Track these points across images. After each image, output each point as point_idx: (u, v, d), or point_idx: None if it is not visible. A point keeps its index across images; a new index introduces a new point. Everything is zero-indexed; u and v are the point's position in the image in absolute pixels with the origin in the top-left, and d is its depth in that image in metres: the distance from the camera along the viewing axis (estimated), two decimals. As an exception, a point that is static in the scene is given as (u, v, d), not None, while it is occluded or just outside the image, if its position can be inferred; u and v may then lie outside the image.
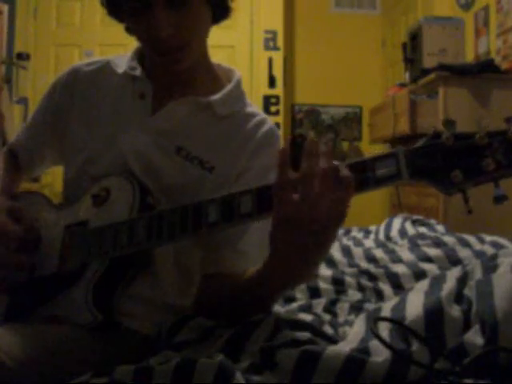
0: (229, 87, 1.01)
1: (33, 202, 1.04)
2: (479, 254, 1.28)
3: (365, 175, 0.69)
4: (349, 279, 1.22)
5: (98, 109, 1.01)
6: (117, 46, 3.70)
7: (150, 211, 0.86)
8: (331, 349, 0.72)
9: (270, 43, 4.48)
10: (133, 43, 1.00)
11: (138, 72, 1.00)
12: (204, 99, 0.98)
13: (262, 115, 1.02)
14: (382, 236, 1.73)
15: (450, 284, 0.87)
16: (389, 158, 0.69)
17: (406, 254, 1.35)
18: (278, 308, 1.07)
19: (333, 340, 0.83)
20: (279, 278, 0.78)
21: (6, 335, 0.80)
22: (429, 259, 1.31)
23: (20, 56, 3.93)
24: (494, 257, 0.97)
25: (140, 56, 1.03)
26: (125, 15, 0.91)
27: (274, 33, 4.48)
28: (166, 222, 0.81)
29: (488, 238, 1.46)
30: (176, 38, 0.88)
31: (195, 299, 0.94)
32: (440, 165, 0.67)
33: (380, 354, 0.71)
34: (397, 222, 1.81)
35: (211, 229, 0.77)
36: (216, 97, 0.98)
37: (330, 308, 1.05)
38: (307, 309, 1.05)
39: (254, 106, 1.05)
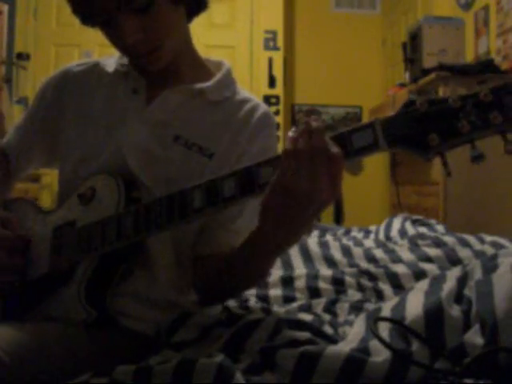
0: (219, 75, 1.02)
1: (22, 210, 1.04)
2: (479, 254, 1.28)
3: (343, 148, 0.70)
4: (349, 279, 1.22)
5: (91, 108, 1.01)
6: (117, 46, 3.70)
7: (136, 205, 0.86)
8: (331, 349, 0.72)
9: (270, 43, 4.48)
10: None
11: (128, 68, 1.00)
12: (196, 86, 0.98)
13: (256, 100, 1.03)
14: (382, 236, 1.74)
15: (450, 284, 0.87)
16: (366, 129, 0.70)
17: (406, 254, 1.36)
18: (278, 308, 1.08)
19: (333, 340, 0.83)
20: (268, 242, 0.79)
21: (3, 332, 0.81)
22: (429, 259, 1.31)
23: (20, 56, 3.93)
24: (494, 257, 0.97)
25: None
26: (95, 24, 0.91)
27: (274, 33, 4.48)
28: (152, 213, 0.82)
29: (488, 237, 1.46)
30: (145, 42, 0.88)
31: (193, 284, 0.95)
32: (416, 130, 0.68)
33: (380, 354, 0.71)
34: (397, 222, 1.82)
35: (197, 215, 0.78)
36: (208, 83, 1.00)
37: (330, 308, 1.05)
38: (307, 309, 1.05)
39: (247, 92, 1.06)
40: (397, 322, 0.78)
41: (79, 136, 1.00)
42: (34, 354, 0.79)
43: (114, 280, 0.90)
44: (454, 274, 0.94)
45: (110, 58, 1.06)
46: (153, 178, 0.93)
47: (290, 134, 0.71)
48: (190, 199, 0.78)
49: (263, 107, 1.02)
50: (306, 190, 0.68)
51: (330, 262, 1.34)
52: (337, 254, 1.38)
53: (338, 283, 1.21)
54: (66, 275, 0.90)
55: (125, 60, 1.02)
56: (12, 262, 0.94)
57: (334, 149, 0.69)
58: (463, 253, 1.32)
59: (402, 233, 1.69)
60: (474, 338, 0.73)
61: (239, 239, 0.88)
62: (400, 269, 1.25)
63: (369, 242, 1.58)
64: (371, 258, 1.36)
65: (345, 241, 1.61)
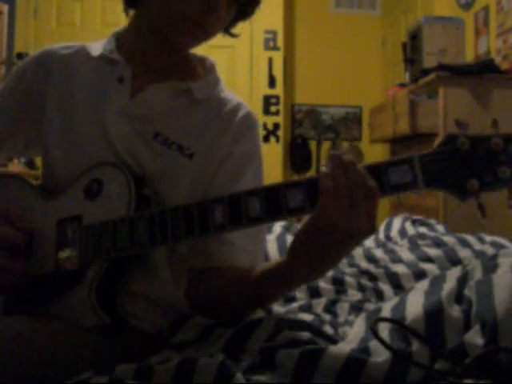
0: (206, 73, 1.01)
1: (16, 190, 0.98)
2: (479, 254, 1.28)
3: (379, 181, 0.67)
4: (349, 279, 1.22)
5: (75, 93, 0.97)
6: (117, 46, 3.70)
7: (147, 204, 0.84)
8: (331, 349, 0.72)
9: (270, 43, 4.49)
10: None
11: (116, 55, 0.97)
12: (184, 84, 0.97)
13: (238, 100, 1.02)
14: (382, 236, 1.73)
15: (450, 284, 0.87)
16: (403, 165, 0.67)
17: (406, 254, 1.35)
18: (278, 308, 1.07)
19: (333, 340, 0.83)
20: (293, 277, 0.78)
21: (9, 326, 0.81)
22: (429, 259, 1.31)
23: (20, 56, 3.93)
24: (494, 257, 0.97)
25: (117, 41, 1.00)
26: None
27: (274, 33, 4.48)
28: (169, 223, 0.78)
29: (488, 238, 1.46)
30: (207, 16, 0.88)
31: (187, 296, 0.93)
32: (456, 173, 0.65)
33: (380, 354, 0.71)
34: (397, 222, 1.81)
35: (219, 231, 0.75)
36: (195, 82, 0.98)
37: (330, 308, 1.05)
38: (307, 309, 1.05)
39: (230, 91, 1.04)
40: (397, 322, 0.78)
41: (65, 121, 0.96)
42: (36, 352, 0.79)
43: (120, 282, 0.88)
44: (454, 273, 0.94)
45: (96, 43, 1.02)
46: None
47: (324, 169, 0.68)
48: (211, 214, 0.74)
49: (245, 107, 1.01)
50: (347, 227, 0.67)
51: (330, 261, 1.34)
52: (337, 254, 1.38)
53: (338, 283, 1.20)
54: (74, 276, 0.86)
55: (112, 46, 0.99)
56: (12, 265, 0.88)
57: (371, 182, 0.67)
58: (463, 253, 1.32)
59: (402, 233, 1.69)
60: (474, 338, 0.73)
61: (235, 252, 0.87)
62: (400, 269, 1.25)
63: (369, 242, 1.58)
64: (371, 258, 1.36)
65: (345, 241, 1.61)
